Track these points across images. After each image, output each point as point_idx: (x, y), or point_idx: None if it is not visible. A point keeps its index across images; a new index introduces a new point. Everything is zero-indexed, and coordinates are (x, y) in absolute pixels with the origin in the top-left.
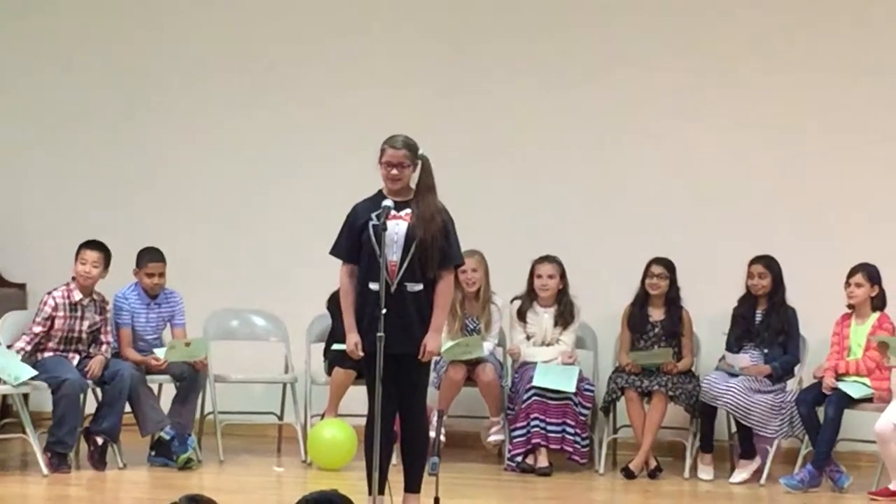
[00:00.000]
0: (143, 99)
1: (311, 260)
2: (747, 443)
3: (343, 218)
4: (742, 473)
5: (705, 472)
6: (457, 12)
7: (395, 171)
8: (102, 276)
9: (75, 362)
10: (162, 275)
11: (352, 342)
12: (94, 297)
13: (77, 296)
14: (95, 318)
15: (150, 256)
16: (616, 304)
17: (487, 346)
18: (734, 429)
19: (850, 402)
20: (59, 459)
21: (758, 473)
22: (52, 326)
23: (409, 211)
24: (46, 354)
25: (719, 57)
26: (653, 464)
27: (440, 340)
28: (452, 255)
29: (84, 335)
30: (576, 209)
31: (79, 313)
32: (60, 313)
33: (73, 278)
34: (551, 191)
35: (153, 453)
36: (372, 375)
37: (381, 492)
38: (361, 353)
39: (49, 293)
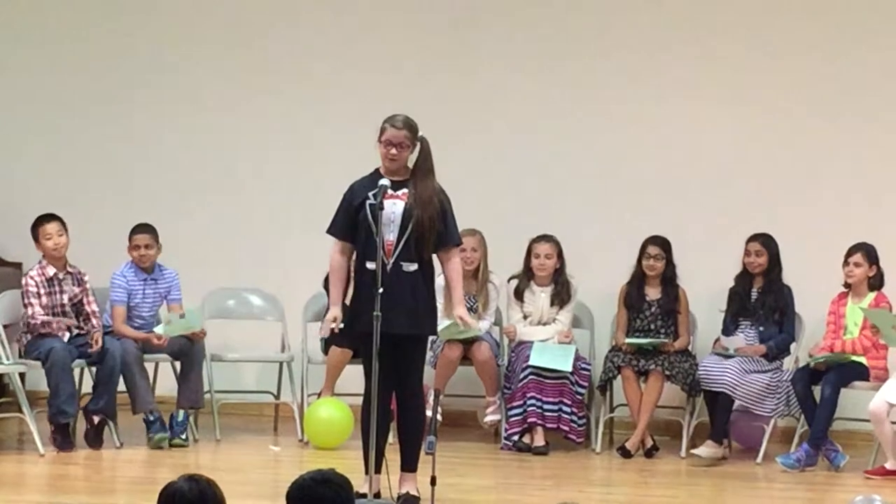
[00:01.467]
0: (138, 79)
1: (308, 239)
2: (720, 426)
3: (338, 195)
4: (706, 450)
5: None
6: None
7: (394, 151)
8: (67, 243)
9: (66, 338)
10: (149, 246)
11: (332, 315)
12: (70, 269)
13: (51, 271)
14: (75, 289)
15: (135, 230)
16: (612, 282)
17: (485, 324)
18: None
19: (847, 380)
20: (62, 435)
21: (725, 457)
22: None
23: (405, 190)
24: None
25: (715, 36)
26: (649, 443)
27: (465, 309)
28: (450, 236)
29: (67, 308)
30: (572, 188)
31: (57, 287)
32: (43, 290)
33: (43, 256)
34: (548, 170)
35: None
36: (368, 354)
37: (378, 471)
38: (340, 326)
39: (26, 275)
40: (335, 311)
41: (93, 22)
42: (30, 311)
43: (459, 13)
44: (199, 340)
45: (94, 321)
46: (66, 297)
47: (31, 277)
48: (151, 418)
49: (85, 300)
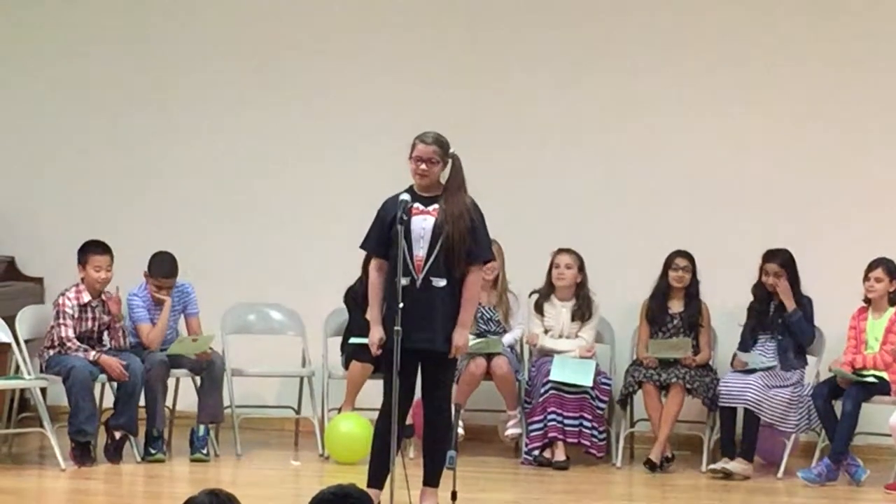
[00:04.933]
0: (157, 95)
1: (328, 254)
2: (750, 444)
3: (360, 210)
4: (737, 466)
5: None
6: (472, 3)
7: (423, 167)
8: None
9: (90, 357)
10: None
11: (375, 336)
12: (104, 297)
13: (86, 298)
14: (104, 317)
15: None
16: (633, 297)
17: (515, 334)
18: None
19: (868, 395)
20: (82, 452)
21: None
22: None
23: (436, 206)
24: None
25: (736, 48)
26: (666, 454)
27: (468, 336)
28: (481, 251)
29: (94, 334)
30: (593, 203)
31: (89, 314)
32: (75, 314)
33: (83, 280)
34: (568, 186)
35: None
36: (390, 369)
37: (381, 486)
38: (380, 351)
39: (63, 294)
40: (378, 332)
41: (110, 35)
42: (63, 331)
43: (479, 28)
44: (204, 358)
45: (119, 338)
46: (95, 324)
47: (69, 298)
48: (156, 434)
49: (111, 325)
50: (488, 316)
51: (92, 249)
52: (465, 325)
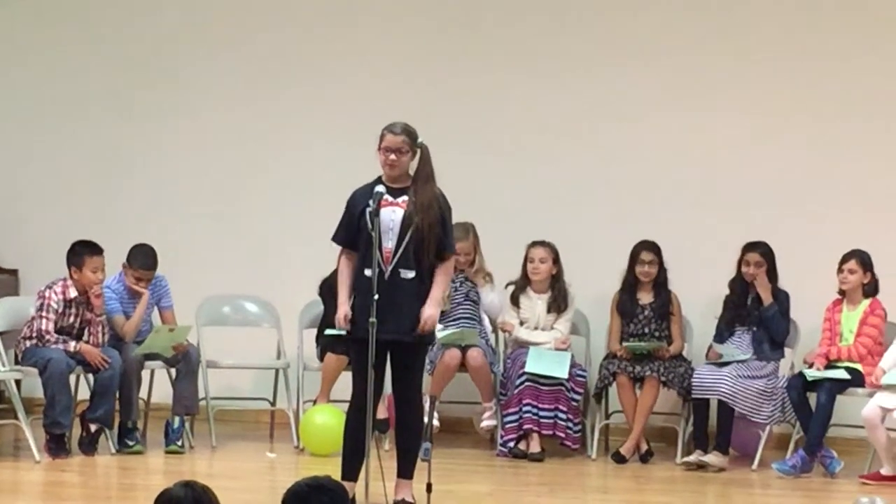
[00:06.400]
0: (135, 87)
1: (303, 246)
2: (725, 436)
3: (335, 202)
4: (713, 459)
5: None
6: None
7: (392, 157)
8: None
9: (71, 347)
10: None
11: (341, 314)
12: (91, 292)
13: (72, 293)
14: (87, 314)
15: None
16: (608, 289)
17: (492, 296)
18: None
19: (842, 387)
20: (56, 445)
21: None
22: None
23: (405, 198)
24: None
25: (711, 45)
26: (644, 448)
27: (437, 312)
28: (448, 243)
29: (75, 329)
30: (568, 195)
31: (72, 310)
32: (59, 308)
33: (75, 280)
34: (544, 178)
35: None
36: (360, 361)
37: (356, 479)
38: (348, 327)
39: (49, 287)
40: (345, 309)
41: (93, 27)
42: (44, 324)
43: (461, 23)
44: (180, 350)
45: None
46: (77, 320)
47: (55, 292)
48: (130, 426)
49: (92, 320)
50: (461, 290)
51: (87, 252)
52: (436, 301)
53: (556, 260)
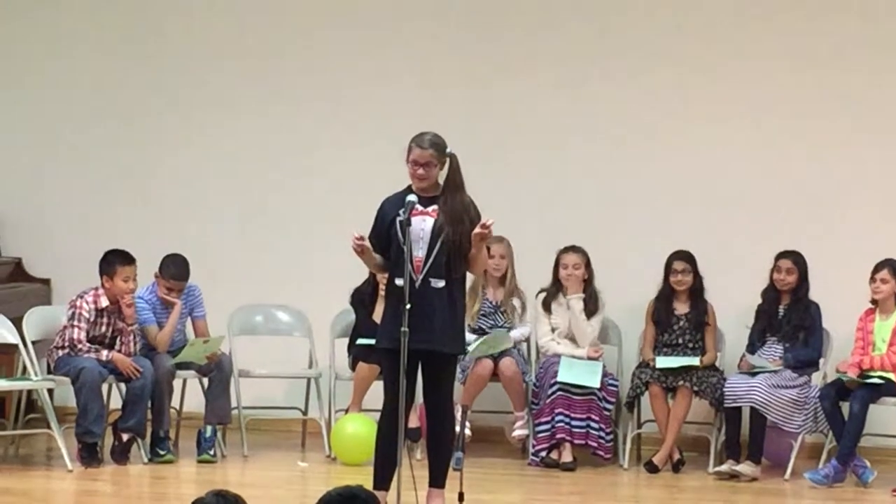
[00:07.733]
0: (165, 96)
1: (335, 255)
2: (757, 445)
3: (366, 211)
4: (746, 468)
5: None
6: (472, 4)
7: (421, 171)
8: None
9: (103, 356)
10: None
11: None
12: (122, 302)
13: (104, 303)
14: (119, 323)
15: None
16: (640, 297)
17: (523, 330)
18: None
19: (875, 396)
20: (89, 454)
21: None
22: None
23: (436, 207)
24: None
25: (744, 53)
26: (676, 457)
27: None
28: None
29: (107, 338)
30: (600, 203)
31: (104, 319)
32: (90, 318)
33: (107, 289)
34: (576, 185)
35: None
36: (391, 370)
37: (387, 488)
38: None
39: (81, 297)
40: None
41: (115, 35)
42: (76, 333)
43: (487, 28)
44: (213, 360)
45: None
46: (109, 329)
47: (87, 302)
48: (162, 435)
49: (124, 330)
50: (491, 310)
51: (119, 261)
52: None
53: (588, 264)
